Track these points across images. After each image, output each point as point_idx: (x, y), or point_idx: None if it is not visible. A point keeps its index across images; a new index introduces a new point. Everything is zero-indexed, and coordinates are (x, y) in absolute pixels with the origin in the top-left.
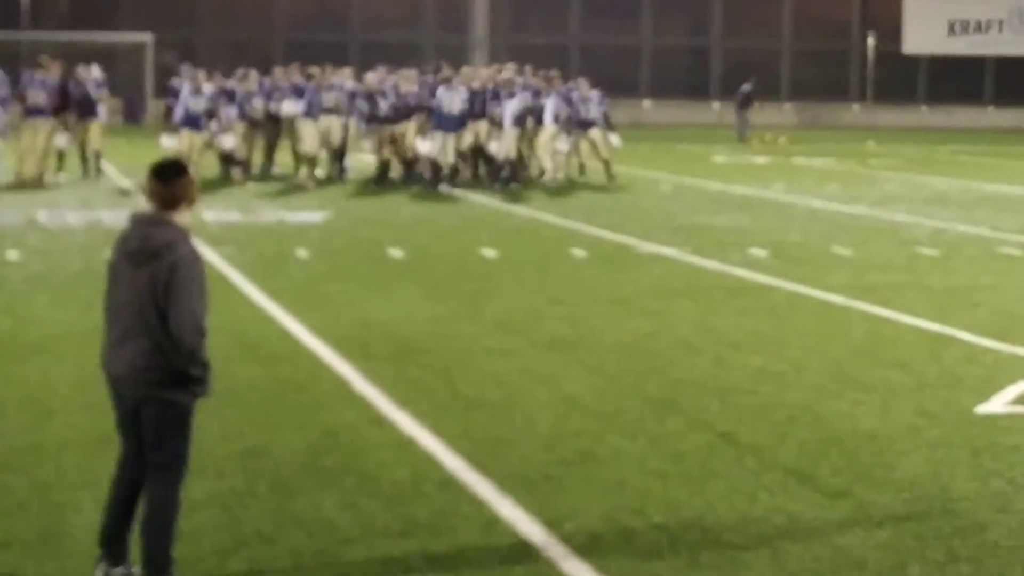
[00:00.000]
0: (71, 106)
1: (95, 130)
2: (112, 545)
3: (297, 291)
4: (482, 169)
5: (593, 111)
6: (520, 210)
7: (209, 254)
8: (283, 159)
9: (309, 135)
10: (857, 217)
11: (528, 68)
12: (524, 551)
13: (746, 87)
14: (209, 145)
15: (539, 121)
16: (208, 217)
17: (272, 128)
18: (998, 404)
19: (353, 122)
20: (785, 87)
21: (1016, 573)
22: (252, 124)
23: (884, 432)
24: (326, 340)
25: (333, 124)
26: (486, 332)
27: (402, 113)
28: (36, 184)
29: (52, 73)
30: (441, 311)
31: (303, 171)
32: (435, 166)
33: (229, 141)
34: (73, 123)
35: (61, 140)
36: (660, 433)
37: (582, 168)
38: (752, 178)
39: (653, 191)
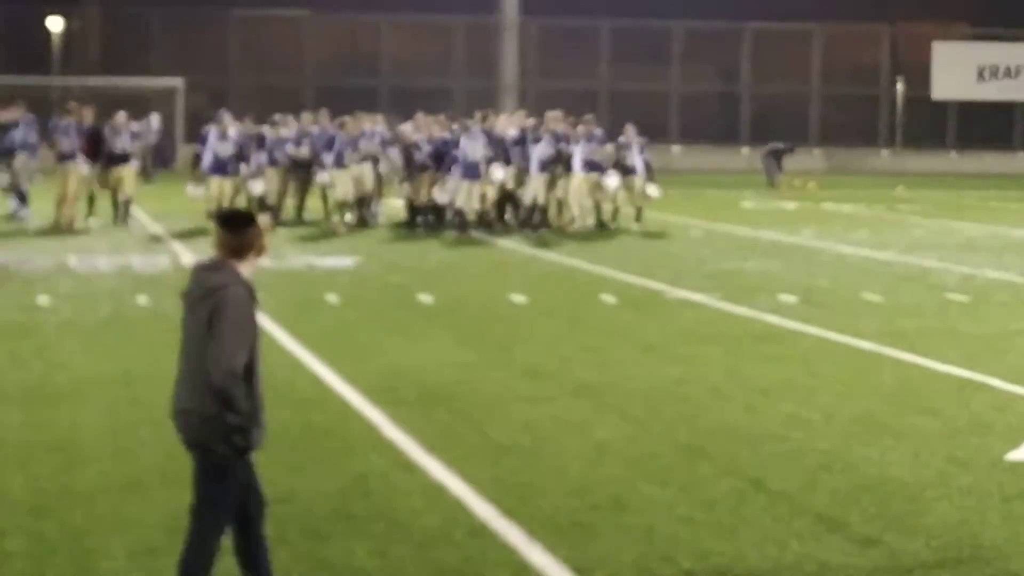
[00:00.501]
0: (103, 152)
1: (129, 177)
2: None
3: (327, 336)
4: (509, 214)
5: (635, 159)
6: (550, 256)
7: None
8: (313, 204)
9: (340, 181)
10: (886, 263)
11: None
12: None
13: (778, 145)
14: (239, 190)
15: (568, 167)
16: None
17: (302, 173)
18: None
19: (384, 168)
20: (814, 132)
21: None
22: (283, 169)
23: (914, 479)
24: (356, 385)
25: (365, 171)
26: (516, 378)
27: (435, 160)
28: (68, 229)
29: (83, 118)
30: (471, 357)
31: (334, 216)
32: (460, 213)
33: (258, 187)
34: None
35: (94, 184)
36: (690, 480)
37: (615, 213)
38: (781, 223)
39: (683, 237)
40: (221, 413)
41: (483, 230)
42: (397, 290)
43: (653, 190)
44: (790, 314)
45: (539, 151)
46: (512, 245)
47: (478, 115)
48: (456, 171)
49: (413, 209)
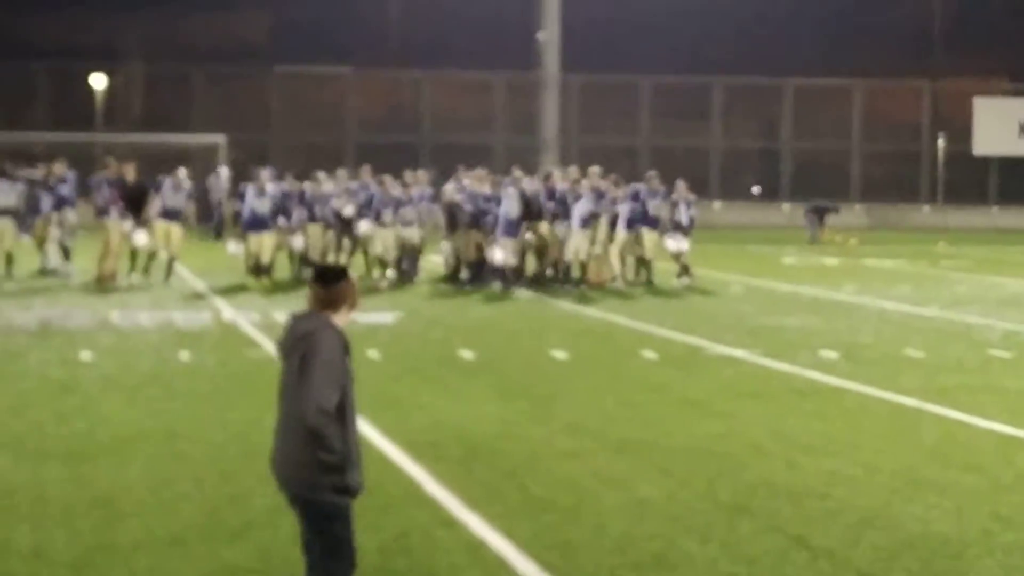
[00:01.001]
0: (147, 208)
1: (176, 235)
2: None
3: (368, 392)
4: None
5: (683, 216)
6: (590, 311)
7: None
8: (355, 260)
9: (379, 238)
10: (928, 319)
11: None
12: None
13: (821, 203)
14: (280, 246)
15: (611, 225)
16: (279, 318)
17: (344, 230)
18: None
19: (426, 227)
20: (855, 188)
21: None
22: (325, 225)
23: (958, 536)
24: (397, 441)
25: (406, 231)
26: (557, 434)
27: (477, 218)
28: (109, 284)
29: (123, 174)
30: (512, 413)
31: (374, 273)
32: (502, 269)
33: (299, 242)
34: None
35: (140, 239)
36: (732, 537)
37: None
38: (823, 279)
39: (723, 292)
40: (315, 453)
41: (524, 286)
42: (438, 346)
43: (673, 243)
44: (832, 370)
45: (580, 207)
46: (553, 301)
47: (516, 171)
48: (498, 228)
49: (455, 265)
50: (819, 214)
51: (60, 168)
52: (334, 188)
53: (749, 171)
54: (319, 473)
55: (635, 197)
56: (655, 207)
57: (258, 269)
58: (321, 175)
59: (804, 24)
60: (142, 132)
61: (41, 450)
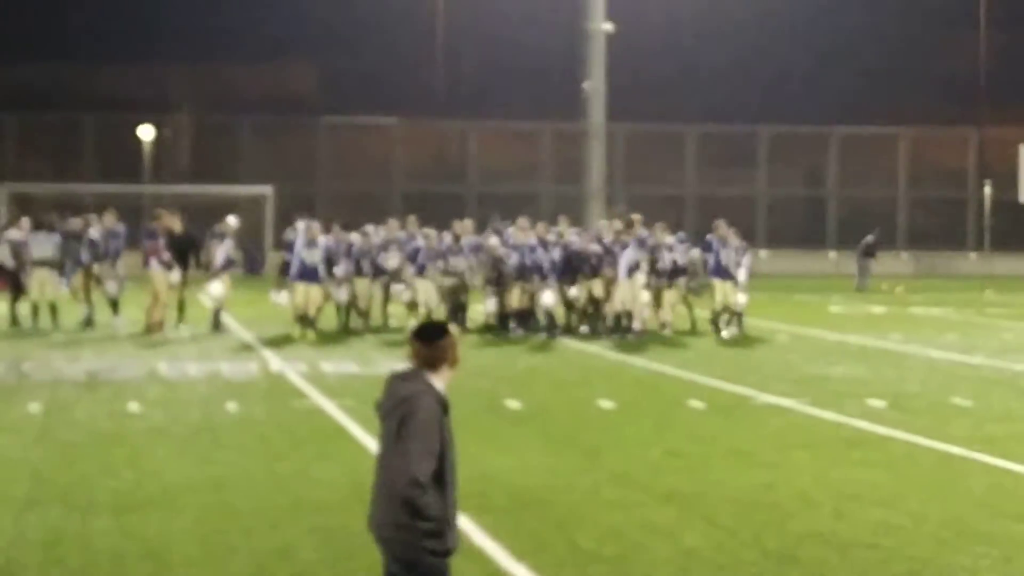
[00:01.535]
0: (197, 258)
1: (224, 286)
2: None
3: None
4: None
5: (732, 264)
6: (637, 361)
7: (328, 406)
8: (398, 310)
9: (423, 289)
10: (976, 367)
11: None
12: None
13: (869, 238)
14: (327, 297)
15: (659, 274)
16: (326, 368)
17: (390, 281)
18: None
19: (472, 278)
20: (902, 236)
21: None
22: (373, 277)
23: None
24: None
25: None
26: (604, 484)
27: (523, 269)
28: (158, 335)
29: (171, 225)
30: (559, 463)
31: (413, 322)
32: (550, 317)
33: (343, 293)
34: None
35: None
36: None
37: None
38: (869, 328)
39: (770, 341)
40: (413, 521)
41: (571, 336)
42: (485, 396)
43: (742, 298)
44: (879, 419)
45: (627, 257)
46: (600, 350)
47: (563, 221)
48: (549, 275)
49: (502, 315)
50: (870, 252)
51: (110, 220)
52: (381, 239)
53: (795, 219)
54: (417, 537)
55: (707, 247)
56: (727, 257)
57: (304, 320)
58: (370, 228)
59: (849, 72)
60: (189, 183)
61: (90, 501)
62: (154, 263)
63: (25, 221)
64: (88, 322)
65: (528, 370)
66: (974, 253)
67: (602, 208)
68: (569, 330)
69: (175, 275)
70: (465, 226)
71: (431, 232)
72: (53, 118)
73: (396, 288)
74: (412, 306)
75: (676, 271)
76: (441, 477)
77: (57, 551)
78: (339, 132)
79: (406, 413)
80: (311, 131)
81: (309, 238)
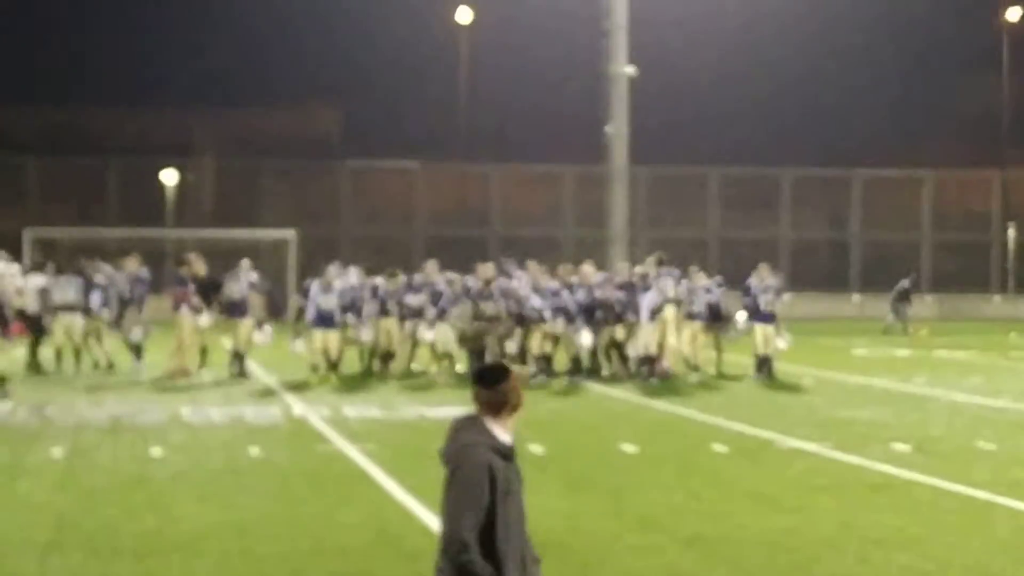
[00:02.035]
0: (219, 303)
1: (244, 330)
2: None
3: (438, 487)
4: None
5: (766, 304)
6: (660, 404)
7: (350, 450)
8: (423, 355)
9: (441, 332)
10: (1001, 410)
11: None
12: None
13: (905, 283)
14: (349, 342)
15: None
16: (349, 413)
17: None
18: None
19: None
20: (926, 278)
21: None
22: (400, 319)
23: None
24: None
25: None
26: (627, 528)
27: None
28: (181, 379)
29: (199, 269)
30: (582, 507)
31: (434, 367)
32: (575, 361)
33: (367, 335)
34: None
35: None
36: None
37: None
38: (893, 371)
39: (794, 385)
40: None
41: (593, 378)
42: None
43: (783, 342)
44: (903, 463)
45: (648, 300)
46: (623, 394)
47: (589, 264)
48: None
49: (523, 359)
50: (905, 296)
51: (133, 264)
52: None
53: (818, 262)
54: None
55: (746, 292)
56: (767, 302)
57: (328, 364)
58: (396, 271)
59: (872, 115)
60: (212, 227)
61: (112, 547)
62: (184, 309)
63: (50, 266)
64: (109, 365)
65: (550, 414)
66: (998, 296)
67: (624, 251)
68: (593, 372)
69: (204, 319)
70: (487, 269)
71: (455, 277)
72: (76, 162)
73: (419, 328)
74: (435, 352)
75: (716, 315)
76: (490, 530)
77: None
78: (361, 176)
79: (455, 466)
80: (334, 175)
81: (325, 283)
